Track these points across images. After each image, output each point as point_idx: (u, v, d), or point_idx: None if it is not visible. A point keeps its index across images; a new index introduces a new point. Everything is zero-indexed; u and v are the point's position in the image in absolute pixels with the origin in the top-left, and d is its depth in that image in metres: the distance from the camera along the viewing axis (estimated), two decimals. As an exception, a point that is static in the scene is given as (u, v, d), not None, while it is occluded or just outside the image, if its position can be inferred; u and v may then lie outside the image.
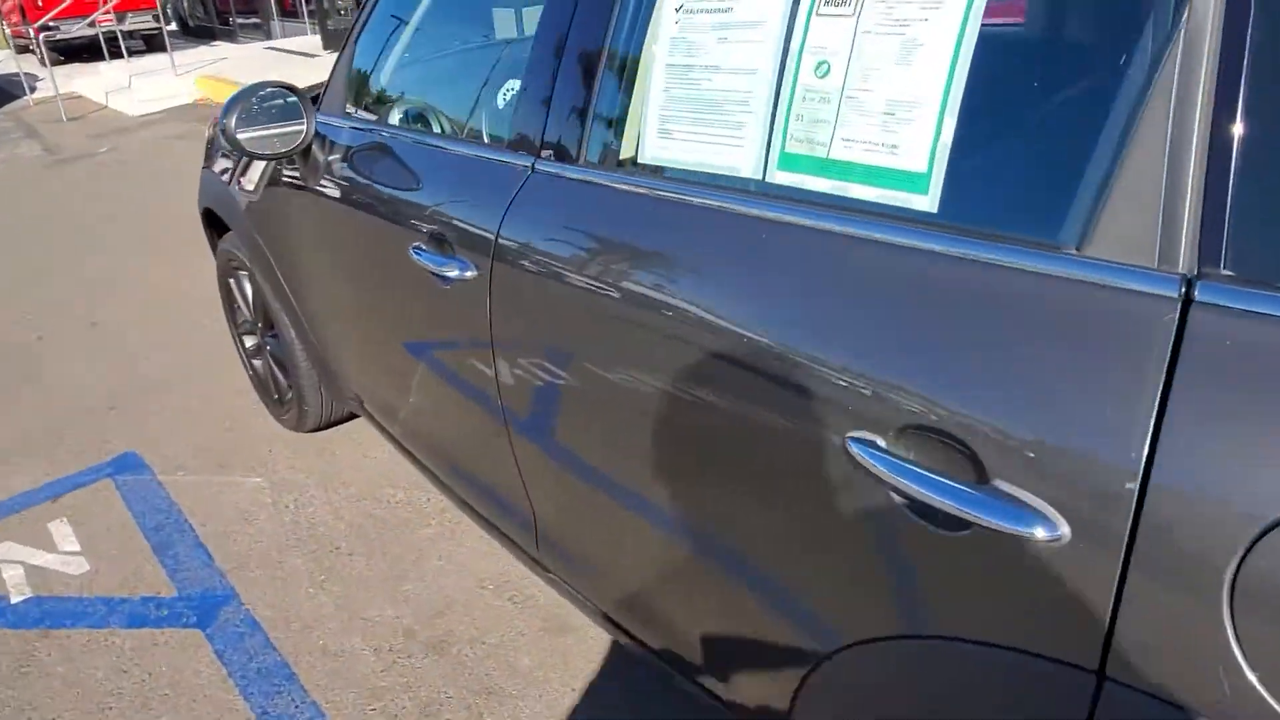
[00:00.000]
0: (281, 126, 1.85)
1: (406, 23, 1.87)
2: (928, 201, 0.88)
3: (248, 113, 1.78)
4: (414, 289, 1.66)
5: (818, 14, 0.98)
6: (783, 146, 1.02)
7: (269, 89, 1.82)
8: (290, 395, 2.69)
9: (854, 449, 0.89)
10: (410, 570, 2.19)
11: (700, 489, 1.14)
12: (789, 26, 1.01)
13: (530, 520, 1.64)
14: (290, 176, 2.05)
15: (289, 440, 2.80)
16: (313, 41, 11.91)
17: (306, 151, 1.91)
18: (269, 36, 13.67)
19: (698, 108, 1.11)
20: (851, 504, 0.92)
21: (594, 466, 1.36)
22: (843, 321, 0.92)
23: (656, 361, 1.13)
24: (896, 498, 0.87)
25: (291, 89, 1.84)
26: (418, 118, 1.91)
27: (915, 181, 0.89)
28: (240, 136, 1.77)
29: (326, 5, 11.65)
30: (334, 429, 2.80)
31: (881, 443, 0.87)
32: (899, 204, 0.91)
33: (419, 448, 2.01)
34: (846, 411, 0.90)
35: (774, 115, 1.03)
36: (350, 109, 1.94)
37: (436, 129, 1.82)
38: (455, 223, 1.49)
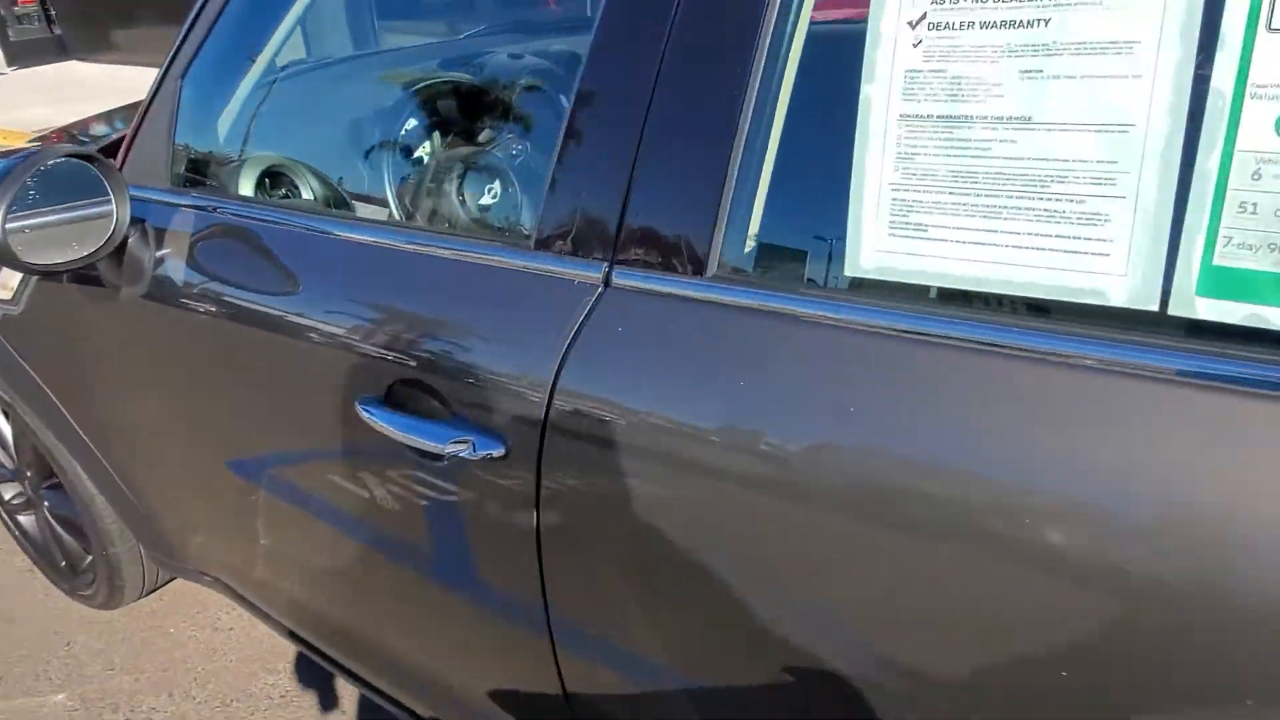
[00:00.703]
0: (74, 211, 1.17)
1: (268, 40, 1.24)
2: None
3: (21, 200, 1.10)
4: (357, 456, 1.08)
5: (1269, 29, 0.56)
6: (1206, 258, 0.59)
7: (51, 159, 1.13)
8: (90, 563, 1.92)
9: None
10: (336, 806, 1.57)
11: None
12: (1201, 52, 0.59)
13: (579, 767, 1.12)
14: (84, 276, 1.36)
15: (96, 623, 2.01)
16: (-9, 56, 10.02)
17: (121, 244, 1.24)
18: (-74, 51, 11.38)
19: (986, 188, 0.66)
20: None
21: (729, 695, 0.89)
22: None
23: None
24: None
25: (87, 156, 1.16)
26: (294, 187, 1.30)
27: None
28: (13, 242, 1.08)
29: (4, 13, 9.79)
30: (159, 592, 2.05)
31: None
32: None
33: (348, 654, 1.40)
34: None
35: (1181, 204, 0.60)
36: (182, 176, 1.29)
37: (347, 208, 1.23)
38: (446, 371, 0.94)
